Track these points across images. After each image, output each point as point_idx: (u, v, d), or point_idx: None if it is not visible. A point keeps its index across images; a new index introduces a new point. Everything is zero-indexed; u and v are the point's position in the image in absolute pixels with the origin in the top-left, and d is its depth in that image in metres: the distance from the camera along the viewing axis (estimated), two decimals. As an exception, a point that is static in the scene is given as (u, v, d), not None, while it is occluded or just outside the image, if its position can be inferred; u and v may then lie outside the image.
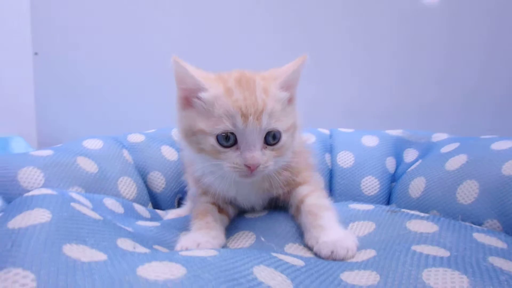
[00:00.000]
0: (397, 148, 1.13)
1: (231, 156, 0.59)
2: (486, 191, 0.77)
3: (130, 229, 0.61)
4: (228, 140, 0.58)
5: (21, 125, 1.79)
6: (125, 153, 0.95)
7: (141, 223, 0.69)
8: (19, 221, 0.42)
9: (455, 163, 0.87)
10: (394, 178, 1.09)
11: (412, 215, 0.68)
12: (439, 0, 1.60)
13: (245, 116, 0.57)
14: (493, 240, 0.60)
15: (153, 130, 1.08)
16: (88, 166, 0.84)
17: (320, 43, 1.68)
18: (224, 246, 0.61)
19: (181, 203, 0.97)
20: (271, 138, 0.60)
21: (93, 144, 0.92)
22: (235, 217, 0.70)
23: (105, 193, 0.81)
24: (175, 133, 1.09)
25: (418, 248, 0.53)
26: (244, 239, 0.61)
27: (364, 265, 0.51)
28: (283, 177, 0.66)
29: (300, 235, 0.62)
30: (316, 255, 0.57)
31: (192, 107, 0.61)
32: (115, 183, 0.86)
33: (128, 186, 0.88)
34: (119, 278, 0.33)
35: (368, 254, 0.55)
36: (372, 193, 1.04)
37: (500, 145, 0.83)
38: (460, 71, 1.64)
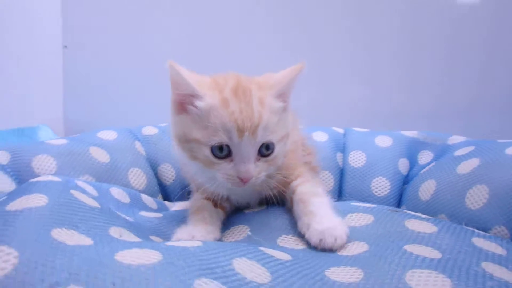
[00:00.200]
0: (411, 149, 1.11)
1: (225, 168, 0.59)
2: (495, 197, 0.75)
3: (130, 218, 0.63)
4: (222, 151, 0.58)
5: (49, 115, 1.87)
6: (138, 145, 0.98)
7: (144, 213, 0.72)
8: (17, 204, 0.45)
9: (467, 167, 0.85)
10: (407, 180, 1.08)
11: (414, 215, 0.67)
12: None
13: (241, 130, 0.56)
14: (493, 246, 0.58)
15: (166, 124, 1.11)
16: (100, 156, 0.87)
17: (320, 43, 1.67)
18: (219, 240, 0.62)
19: (190, 196, 1.00)
20: (265, 149, 0.60)
21: (108, 135, 0.96)
22: (232, 212, 0.71)
23: (115, 183, 0.84)
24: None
25: (410, 248, 0.53)
26: (239, 233, 0.62)
27: (352, 261, 0.51)
28: (276, 179, 0.66)
29: (293, 226, 0.62)
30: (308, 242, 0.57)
31: (186, 112, 0.61)
32: (125, 174, 0.89)
33: (138, 177, 0.91)
34: (96, 260, 0.35)
35: (360, 247, 0.55)
36: (382, 194, 1.03)
37: (513, 150, 0.81)
38: (462, 71, 1.59)
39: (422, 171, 1.01)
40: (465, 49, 1.57)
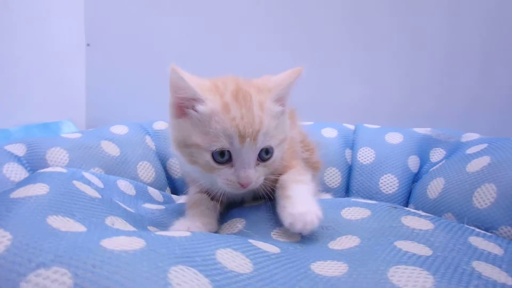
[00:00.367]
0: (423, 146, 1.09)
1: (226, 173, 0.59)
2: (503, 196, 0.73)
3: (132, 210, 0.65)
4: (223, 156, 0.58)
5: (72, 111, 1.93)
6: (148, 139, 1.01)
7: (147, 205, 0.74)
8: (21, 192, 0.48)
9: (477, 165, 0.84)
10: (417, 177, 1.06)
11: (413, 212, 0.67)
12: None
13: (242, 136, 0.56)
14: (490, 245, 0.57)
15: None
16: (111, 149, 0.90)
17: (320, 43, 1.66)
18: (216, 232, 0.64)
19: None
20: (264, 154, 0.61)
21: (119, 129, 0.99)
22: (229, 204, 0.72)
23: (124, 176, 0.88)
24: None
25: (401, 244, 0.53)
26: (235, 226, 0.63)
27: (340, 255, 0.51)
28: (270, 179, 0.66)
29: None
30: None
31: (186, 116, 0.60)
32: (134, 167, 0.92)
33: (147, 171, 0.94)
34: (82, 245, 0.37)
35: (352, 242, 0.56)
36: (390, 192, 1.02)
37: (526, 148, 0.79)
38: (462, 71, 1.56)
39: (432, 169, 0.99)
40: (465, 48, 1.54)
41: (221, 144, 0.57)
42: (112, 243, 0.38)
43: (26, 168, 0.77)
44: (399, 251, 0.51)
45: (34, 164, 0.79)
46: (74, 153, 0.84)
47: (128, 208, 0.64)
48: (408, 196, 1.02)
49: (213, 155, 0.58)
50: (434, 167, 0.99)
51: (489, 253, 0.54)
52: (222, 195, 0.63)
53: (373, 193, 1.03)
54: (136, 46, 1.87)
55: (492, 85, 1.53)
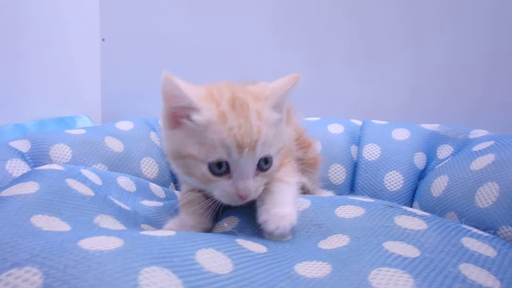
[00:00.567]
0: (430, 143, 1.07)
1: (223, 185, 0.57)
2: (505, 195, 0.71)
3: (127, 207, 0.67)
4: (220, 167, 0.56)
5: (87, 105, 1.97)
6: (152, 135, 1.02)
7: (146, 202, 0.75)
8: (11, 190, 0.50)
9: (481, 163, 0.81)
10: (423, 175, 1.04)
11: (409, 211, 0.66)
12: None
13: (240, 147, 0.54)
14: (484, 247, 0.56)
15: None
16: (115, 145, 0.92)
17: (321, 41, 1.65)
18: (209, 231, 0.64)
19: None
20: (263, 163, 0.58)
21: (124, 125, 1.01)
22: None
23: (126, 172, 0.89)
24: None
25: (389, 245, 0.52)
26: (229, 224, 0.64)
27: (327, 256, 0.51)
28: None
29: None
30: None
31: (180, 126, 0.58)
32: (137, 163, 0.93)
33: (150, 167, 0.95)
34: (59, 245, 0.38)
35: (341, 241, 0.56)
36: (395, 189, 1.01)
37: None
38: (468, 68, 1.52)
39: (437, 166, 0.97)
40: (472, 44, 1.51)
41: (218, 155, 0.55)
42: (89, 243, 0.39)
43: (29, 164, 0.80)
44: (385, 252, 0.50)
45: (37, 160, 0.81)
46: (77, 149, 0.86)
47: (123, 206, 0.65)
48: (413, 193, 1.01)
49: (210, 167, 0.56)
50: (440, 164, 0.97)
51: (480, 255, 0.53)
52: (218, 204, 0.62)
53: (377, 190, 1.02)
54: (151, 41, 1.90)
55: (498, 82, 1.49)
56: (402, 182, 1.00)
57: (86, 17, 1.92)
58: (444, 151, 1.04)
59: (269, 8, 1.69)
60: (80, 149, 0.86)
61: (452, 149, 1.03)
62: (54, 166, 0.62)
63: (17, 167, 0.75)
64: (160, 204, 0.76)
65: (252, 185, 0.57)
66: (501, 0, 1.45)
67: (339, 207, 0.67)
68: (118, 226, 0.54)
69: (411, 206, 0.98)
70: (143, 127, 1.03)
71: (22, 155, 0.79)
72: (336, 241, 0.57)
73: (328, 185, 1.05)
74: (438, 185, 0.88)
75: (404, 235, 0.56)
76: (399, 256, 0.49)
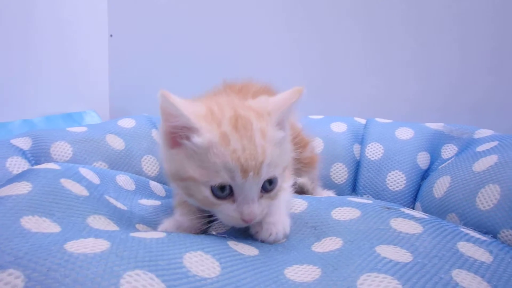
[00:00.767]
0: (434, 142, 1.05)
1: (227, 209, 0.54)
2: (506, 198, 0.70)
3: (124, 207, 0.67)
4: (223, 191, 0.53)
5: (95, 101, 1.99)
6: (154, 133, 1.02)
7: (143, 201, 0.75)
8: (4, 191, 0.50)
9: (484, 164, 0.80)
10: (426, 175, 1.03)
11: (406, 214, 0.65)
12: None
13: (245, 170, 0.51)
14: (480, 252, 0.55)
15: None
16: (116, 143, 0.93)
17: (324, 40, 1.63)
18: (205, 232, 0.64)
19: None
20: (268, 184, 0.55)
21: (126, 123, 1.01)
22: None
23: (127, 170, 0.90)
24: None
25: (381, 249, 0.52)
26: (224, 226, 0.63)
27: (318, 259, 0.51)
28: None
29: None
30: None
31: (180, 147, 0.55)
32: (138, 161, 0.94)
33: (151, 165, 0.95)
34: (45, 247, 0.38)
35: (334, 244, 0.55)
36: (397, 189, 1.00)
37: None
38: (475, 64, 1.49)
39: (441, 166, 0.96)
40: (478, 42, 1.47)
41: (221, 179, 0.52)
42: (75, 246, 0.39)
43: (30, 162, 0.81)
44: (376, 256, 0.49)
45: (38, 158, 0.82)
46: (78, 147, 0.86)
47: (119, 205, 0.65)
48: (415, 194, 1.00)
49: (213, 190, 0.53)
50: (443, 165, 0.95)
51: (475, 260, 0.52)
52: None
53: (379, 190, 1.01)
54: (159, 37, 1.90)
55: (504, 80, 1.46)
56: (405, 182, 0.99)
57: (94, 13, 1.93)
58: (448, 151, 1.02)
59: (276, 7, 1.68)
60: (81, 146, 0.87)
61: (456, 148, 1.01)
62: (50, 165, 0.63)
63: (17, 165, 0.76)
64: (158, 203, 0.76)
65: (257, 209, 0.54)
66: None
67: (336, 209, 0.67)
68: (111, 226, 0.55)
69: (413, 207, 0.97)
70: (145, 124, 1.03)
71: (23, 153, 0.80)
72: (329, 244, 0.56)
73: (330, 185, 1.04)
74: (440, 185, 0.87)
75: (398, 239, 0.56)
76: (391, 261, 0.48)
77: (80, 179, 0.64)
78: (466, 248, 0.55)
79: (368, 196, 1.01)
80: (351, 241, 0.55)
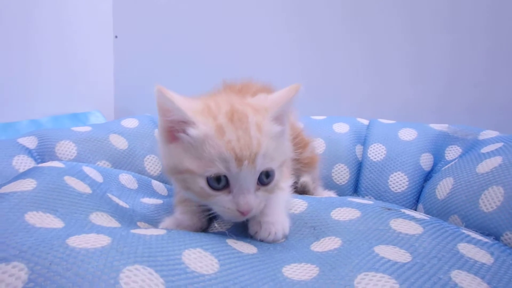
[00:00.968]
0: (438, 144, 1.05)
1: (223, 200, 0.55)
2: (510, 200, 0.69)
3: (126, 205, 0.68)
4: (219, 182, 0.54)
5: (100, 101, 2.01)
6: (157, 132, 1.03)
7: (145, 200, 0.76)
8: (10, 187, 0.51)
9: (487, 165, 0.80)
10: (429, 176, 1.03)
11: (406, 215, 0.65)
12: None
13: (239, 160, 0.52)
14: (481, 253, 0.55)
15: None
16: (119, 143, 0.94)
17: (326, 41, 1.64)
18: (205, 230, 0.65)
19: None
20: (265, 177, 0.56)
21: (130, 123, 1.02)
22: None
23: (130, 169, 0.91)
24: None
25: (380, 249, 0.52)
26: (224, 224, 0.64)
27: (316, 258, 0.51)
28: None
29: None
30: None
31: (177, 141, 0.56)
32: (141, 160, 0.95)
33: (154, 164, 0.96)
34: (48, 242, 0.39)
35: (333, 244, 0.55)
36: (399, 190, 0.99)
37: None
38: (468, 67, 1.49)
39: (444, 168, 0.95)
40: (473, 42, 1.47)
41: (217, 169, 0.53)
42: (77, 241, 0.40)
43: (36, 160, 0.82)
44: (375, 256, 0.50)
45: (44, 157, 0.83)
46: (82, 146, 0.88)
47: (122, 203, 0.66)
48: (418, 195, 0.99)
49: (208, 181, 0.54)
50: (446, 166, 0.95)
51: (476, 262, 0.52)
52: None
53: (381, 192, 1.01)
54: (163, 38, 1.92)
55: (500, 76, 1.46)
56: (407, 183, 0.99)
57: (99, 14, 1.95)
58: (452, 152, 1.02)
59: (276, 7, 1.68)
60: (85, 146, 0.88)
61: (460, 150, 1.01)
62: (55, 164, 0.64)
63: (23, 163, 0.78)
64: (160, 202, 0.77)
65: (253, 200, 0.55)
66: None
67: (336, 209, 0.67)
68: (112, 223, 0.55)
69: (415, 209, 0.97)
70: (147, 124, 1.04)
71: (29, 151, 0.81)
72: (328, 244, 0.56)
73: (331, 185, 1.04)
74: (443, 187, 0.87)
75: (397, 239, 0.56)
76: (389, 260, 0.48)
77: (83, 177, 0.65)
78: (466, 249, 0.55)
79: (369, 197, 1.01)
80: (350, 241, 0.55)
